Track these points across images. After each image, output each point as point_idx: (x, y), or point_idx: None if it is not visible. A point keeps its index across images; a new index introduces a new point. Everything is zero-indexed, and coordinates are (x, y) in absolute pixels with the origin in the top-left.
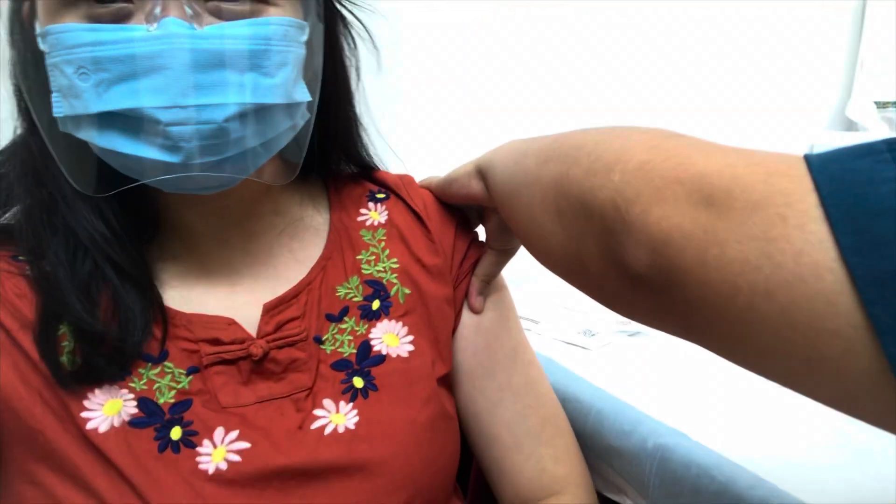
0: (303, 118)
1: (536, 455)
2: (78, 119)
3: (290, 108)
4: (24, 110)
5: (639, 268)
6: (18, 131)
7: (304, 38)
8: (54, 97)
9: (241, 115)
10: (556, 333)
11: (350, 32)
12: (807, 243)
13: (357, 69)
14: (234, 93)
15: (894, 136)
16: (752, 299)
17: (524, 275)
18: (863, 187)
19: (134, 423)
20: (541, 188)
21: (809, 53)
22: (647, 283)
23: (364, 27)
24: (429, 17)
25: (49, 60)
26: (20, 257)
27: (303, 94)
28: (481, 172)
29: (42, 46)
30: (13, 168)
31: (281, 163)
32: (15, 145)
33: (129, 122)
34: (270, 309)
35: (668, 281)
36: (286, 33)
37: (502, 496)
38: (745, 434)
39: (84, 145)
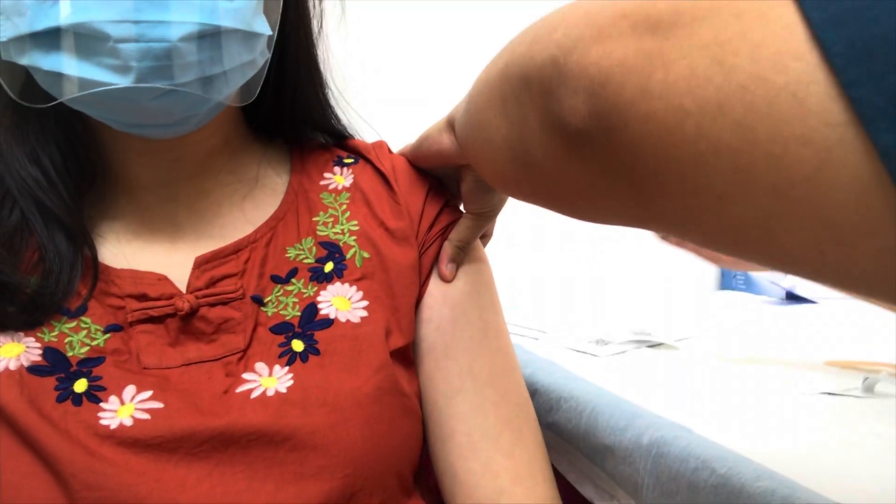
0: (262, 56)
1: (494, 467)
2: (22, 42)
3: (249, 39)
4: None
5: (577, 121)
6: None
7: None
8: None
9: (197, 36)
10: (566, 342)
11: None
12: (768, 32)
13: (320, 19)
14: (191, 11)
15: None
16: (702, 122)
17: (536, 284)
18: None
19: (33, 369)
20: (489, 89)
21: None
22: (587, 140)
23: None
24: None
25: None
26: None
27: (262, 27)
28: (451, 123)
29: None
30: None
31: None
32: None
33: (76, 40)
34: (203, 263)
35: (607, 127)
36: None
37: None
38: (765, 436)
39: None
